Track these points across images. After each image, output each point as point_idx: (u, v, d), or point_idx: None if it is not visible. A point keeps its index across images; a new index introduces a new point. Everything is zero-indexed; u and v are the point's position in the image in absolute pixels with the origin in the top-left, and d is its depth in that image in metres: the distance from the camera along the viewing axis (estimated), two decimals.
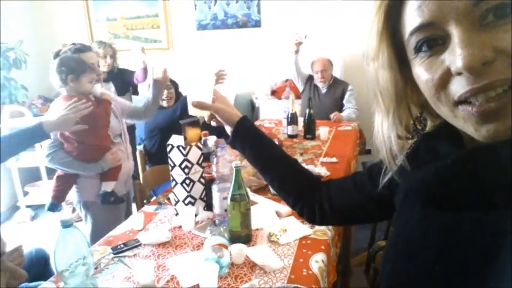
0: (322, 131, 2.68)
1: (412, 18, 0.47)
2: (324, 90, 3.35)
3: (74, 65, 1.77)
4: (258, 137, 0.91)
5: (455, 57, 0.43)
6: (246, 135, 0.90)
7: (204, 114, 0.94)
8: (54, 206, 1.91)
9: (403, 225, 0.64)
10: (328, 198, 0.83)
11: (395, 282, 0.63)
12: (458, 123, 0.48)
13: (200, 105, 0.91)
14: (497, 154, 0.44)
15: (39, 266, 1.59)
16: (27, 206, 3.41)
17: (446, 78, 0.46)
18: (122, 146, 2.03)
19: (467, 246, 0.50)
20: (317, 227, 1.45)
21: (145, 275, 1.13)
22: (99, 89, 1.86)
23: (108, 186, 1.91)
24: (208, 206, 1.59)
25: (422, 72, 0.48)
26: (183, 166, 1.52)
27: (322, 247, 1.35)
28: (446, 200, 0.52)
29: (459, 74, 0.43)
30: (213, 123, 0.94)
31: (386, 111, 0.57)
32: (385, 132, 0.58)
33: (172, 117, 2.55)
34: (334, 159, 2.22)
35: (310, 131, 2.67)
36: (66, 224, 1.01)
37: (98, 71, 1.94)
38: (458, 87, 0.44)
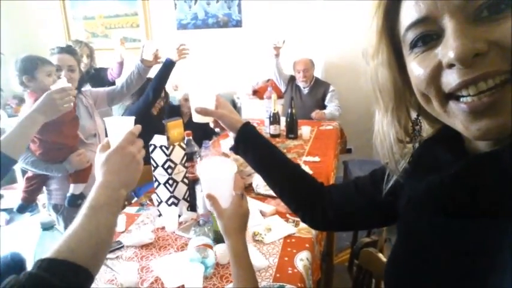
0: (305, 130, 2.70)
1: (408, 14, 0.48)
2: (306, 91, 3.38)
3: (24, 64, 1.69)
4: (261, 143, 0.91)
5: (447, 49, 0.43)
6: (249, 140, 0.90)
7: (208, 121, 0.94)
8: (24, 208, 1.85)
9: (409, 233, 0.64)
10: (330, 204, 0.83)
11: (399, 282, 0.63)
12: (449, 120, 0.48)
13: (204, 112, 0.91)
14: (498, 161, 0.44)
15: (15, 271, 1.54)
16: (2, 210, 3.30)
17: (437, 71, 0.46)
18: (95, 147, 1.97)
19: (476, 252, 0.50)
20: (301, 226, 1.46)
21: (129, 277, 1.11)
22: (61, 83, 1.78)
23: (76, 189, 1.85)
24: (192, 207, 1.58)
25: (415, 67, 0.49)
26: (166, 166, 1.50)
27: (307, 245, 1.36)
28: (453, 209, 0.52)
29: (451, 66, 0.44)
30: (217, 129, 0.95)
31: (386, 108, 0.57)
32: (385, 131, 0.58)
33: (144, 105, 2.46)
34: (316, 158, 2.24)
35: (292, 131, 2.69)
36: (46, 227, 0.98)
37: (52, 63, 1.83)
38: (450, 79, 0.45)
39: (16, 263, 1.62)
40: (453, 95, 0.45)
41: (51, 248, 0.55)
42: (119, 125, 0.77)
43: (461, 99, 0.45)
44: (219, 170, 0.86)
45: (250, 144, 0.90)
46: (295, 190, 0.88)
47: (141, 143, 0.78)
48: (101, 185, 0.67)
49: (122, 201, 0.69)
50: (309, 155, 2.34)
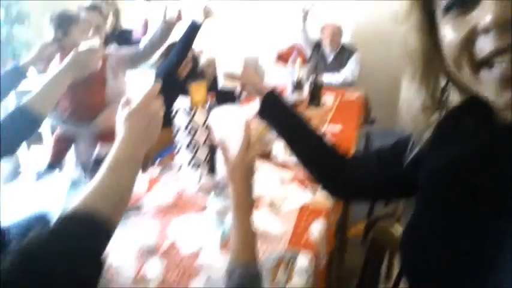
0: (328, 98, 2.66)
1: None
2: (331, 57, 3.30)
3: (60, 18, 1.72)
4: (286, 110, 0.91)
5: (485, 12, 0.41)
6: (275, 107, 0.91)
7: (235, 86, 0.96)
8: (52, 166, 1.92)
9: (427, 205, 0.63)
10: (352, 174, 0.83)
11: (416, 262, 0.64)
12: (479, 88, 0.47)
13: (231, 77, 0.92)
14: None
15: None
16: (31, 167, 3.45)
17: (472, 37, 0.44)
18: None
19: (496, 230, 0.49)
20: (318, 195, 1.47)
21: (149, 237, 1.16)
22: (90, 42, 1.78)
23: (103, 149, 1.91)
24: (213, 170, 1.60)
25: (448, 31, 0.47)
26: (188, 128, 1.52)
27: (323, 215, 1.37)
28: (473, 181, 0.51)
29: (486, 31, 0.42)
30: (243, 94, 0.96)
31: (414, 74, 0.56)
32: (412, 98, 0.57)
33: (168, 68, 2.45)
34: (338, 128, 2.22)
35: (315, 98, 2.65)
36: (74, 184, 1.02)
37: (88, 21, 1.85)
38: (484, 46, 0.43)
39: (44, 221, 1.71)
40: (486, 62, 0.44)
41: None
42: (140, 82, 0.78)
43: (493, 67, 0.43)
44: (231, 118, 0.87)
45: (276, 111, 0.91)
46: (318, 160, 0.88)
47: (161, 101, 0.78)
48: (120, 142, 0.68)
49: (141, 159, 0.70)
50: (330, 124, 2.32)
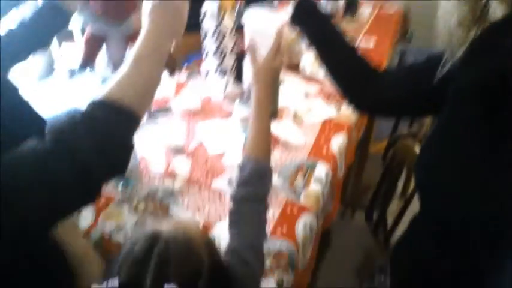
0: (364, 10, 2.49)
1: None
2: None
3: None
4: (321, 16, 0.87)
5: None
6: (309, 12, 0.87)
7: None
8: (84, 66, 1.96)
9: (450, 123, 0.64)
10: (380, 89, 0.81)
11: (432, 173, 0.66)
12: None
13: None
14: None
15: None
16: (64, 66, 3.51)
17: None
18: None
19: None
20: (342, 110, 1.48)
21: (177, 137, 1.22)
22: None
23: None
24: (239, 78, 1.60)
25: None
26: (216, 33, 1.49)
27: (345, 130, 1.39)
28: (503, 96, 0.50)
29: None
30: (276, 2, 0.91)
31: None
32: (450, 12, 0.55)
33: None
34: (371, 42, 2.13)
35: (351, 9, 2.48)
36: (105, 81, 1.05)
37: None
38: None
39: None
40: None
41: (104, 90, 0.59)
42: None
43: None
44: (264, 22, 0.85)
45: (310, 17, 0.87)
46: (348, 71, 0.86)
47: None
48: (145, 36, 0.67)
49: (166, 54, 0.69)
50: (363, 39, 2.21)
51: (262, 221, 0.72)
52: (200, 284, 0.48)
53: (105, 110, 0.55)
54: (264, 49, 0.83)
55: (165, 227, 0.51)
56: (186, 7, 0.74)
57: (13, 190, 0.47)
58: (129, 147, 0.59)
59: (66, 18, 1.21)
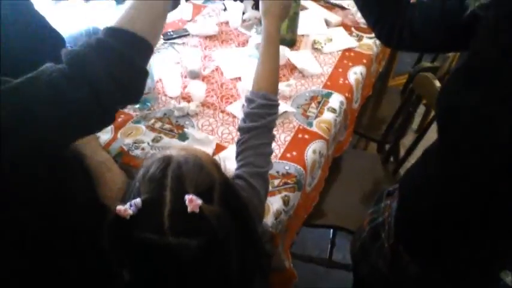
0: None
1: None
2: None
3: None
4: None
5: None
6: None
7: None
8: None
9: (479, 55, 0.63)
10: (410, 22, 0.79)
11: (452, 108, 0.66)
12: None
13: None
14: None
15: None
16: None
17: None
18: None
19: None
20: (363, 41, 1.43)
21: (194, 62, 1.22)
22: None
23: None
24: (257, 5, 1.55)
25: None
26: None
27: (364, 61, 1.36)
28: None
29: None
30: None
31: None
32: None
33: None
34: None
35: None
36: (120, 1, 1.04)
37: None
38: None
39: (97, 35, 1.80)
40: None
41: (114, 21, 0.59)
42: None
43: None
44: None
45: None
46: (379, 2, 0.83)
47: None
48: None
49: None
50: None
51: (268, 151, 0.76)
52: (215, 195, 0.51)
53: (118, 37, 0.56)
54: None
55: (174, 152, 0.54)
56: None
57: (31, 111, 0.49)
58: (143, 73, 0.60)
59: None
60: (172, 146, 0.62)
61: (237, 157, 0.75)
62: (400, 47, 1.03)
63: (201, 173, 0.52)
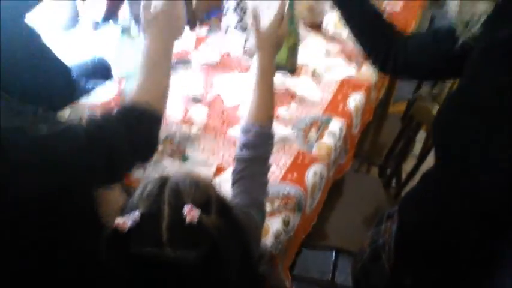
0: None
1: None
2: None
3: None
4: None
5: None
6: None
7: None
8: (107, 18, 1.99)
9: (471, 84, 0.65)
10: (404, 52, 0.82)
11: (450, 130, 0.67)
12: None
13: None
14: None
15: (102, 72, 1.77)
16: (89, 17, 3.56)
17: None
18: None
19: None
20: (362, 70, 1.46)
21: (196, 88, 1.25)
22: None
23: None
24: None
25: None
26: None
27: (363, 88, 1.38)
28: None
29: None
30: None
31: None
32: None
33: None
34: (397, 8, 2.05)
35: None
36: (124, 30, 1.08)
37: None
38: None
39: (102, 65, 1.86)
40: None
41: (127, 97, 0.72)
42: None
43: None
44: None
45: None
46: (374, 33, 0.87)
47: (182, 3, 0.83)
48: (150, 41, 0.77)
49: (172, 51, 0.79)
50: (389, 3, 2.14)
51: (264, 181, 0.77)
52: (213, 208, 0.51)
53: (136, 115, 0.67)
54: (267, 15, 0.83)
55: (171, 173, 0.55)
56: (180, 8, 0.82)
57: (49, 166, 0.56)
58: (155, 143, 0.72)
59: None
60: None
61: (232, 186, 0.75)
62: (396, 75, 1.07)
63: (198, 188, 0.52)
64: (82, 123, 0.65)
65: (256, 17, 0.84)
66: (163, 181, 0.52)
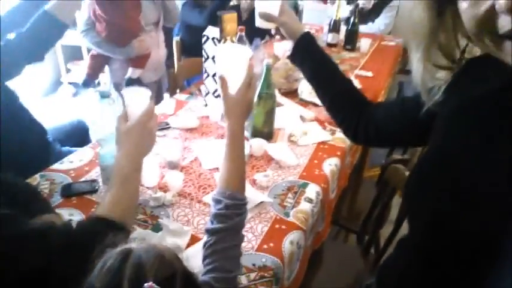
0: (364, 42, 2.57)
1: None
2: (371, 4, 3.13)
3: None
4: (318, 56, 0.92)
5: None
6: (307, 50, 0.92)
7: (271, 27, 0.97)
8: (88, 83, 2.04)
9: (437, 148, 0.67)
10: (374, 121, 0.85)
11: (421, 193, 0.68)
12: (502, 55, 0.47)
13: (267, 17, 0.93)
14: None
15: (80, 135, 1.76)
16: (70, 83, 3.62)
17: (491, 15, 0.45)
18: (153, 33, 2.05)
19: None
20: (336, 135, 1.51)
21: (173, 152, 1.24)
22: None
23: (134, 73, 1.99)
24: None
25: (465, 8, 0.48)
26: (215, 58, 1.54)
27: (338, 153, 1.41)
28: (493, 122, 0.54)
29: (507, 12, 0.42)
30: (277, 37, 0.97)
31: (417, 45, 0.58)
32: (415, 66, 0.61)
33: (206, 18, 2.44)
34: (369, 74, 2.18)
35: (350, 42, 2.57)
36: (103, 95, 1.10)
37: None
38: (506, 23, 0.43)
39: (81, 129, 1.86)
40: (509, 36, 0.44)
41: (98, 208, 0.77)
42: (137, 97, 0.85)
43: None
44: (234, 55, 0.86)
45: (308, 56, 0.93)
46: (343, 105, 0.91)
47: (156, 118, 0.88)
48: (123, 156, 0.80)
49: (141, 166, 0.83)
50: (362, 69, 2.27)
51: (237, 254, 0.73)
52: (176, 285, 0.49)
53: (104, 226, 0.70)
54: (234, 82, 0.84)
55: (134, 245, 0.52)
56: (155, 128, 0.87)
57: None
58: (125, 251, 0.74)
59: (61, 29, 1.29)
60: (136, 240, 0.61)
61: (203, 261, 0.71)
62: (367, 143, 1.10)
63: (162, 262, 0.49)
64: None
65: (223, 84, 0.84)
66: (125, 254, 0.49)
